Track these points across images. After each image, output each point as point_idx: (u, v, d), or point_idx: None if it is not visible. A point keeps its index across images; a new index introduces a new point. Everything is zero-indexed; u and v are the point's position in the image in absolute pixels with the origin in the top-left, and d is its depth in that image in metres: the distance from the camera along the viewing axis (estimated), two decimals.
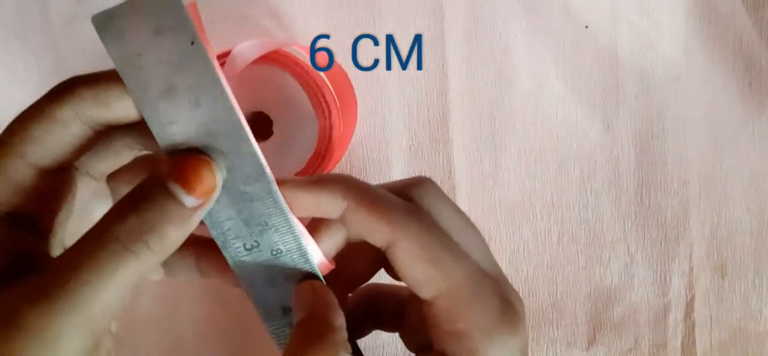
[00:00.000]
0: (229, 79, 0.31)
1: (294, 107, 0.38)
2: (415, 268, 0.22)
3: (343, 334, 0.22)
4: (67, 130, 0.21)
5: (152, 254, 0.20)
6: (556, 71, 0.41)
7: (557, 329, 0.41)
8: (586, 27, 0.41)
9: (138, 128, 0.22)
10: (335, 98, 0.38)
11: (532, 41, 0.40)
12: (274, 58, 0.37)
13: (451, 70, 0.40)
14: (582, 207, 0.41)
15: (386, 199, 0.22)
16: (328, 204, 0.22)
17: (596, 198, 0.41)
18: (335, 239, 0.23)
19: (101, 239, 0.20)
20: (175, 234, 0.20)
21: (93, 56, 0.38)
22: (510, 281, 0.41)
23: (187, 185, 0.20)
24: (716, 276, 0.41)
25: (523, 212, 0.41)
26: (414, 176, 0.25)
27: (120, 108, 0.21)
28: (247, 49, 0.35)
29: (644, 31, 0.41)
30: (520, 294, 0.40)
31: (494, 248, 0.40)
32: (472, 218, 0.40)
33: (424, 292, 0.22)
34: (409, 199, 0.23)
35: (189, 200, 0.20)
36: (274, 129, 0.38)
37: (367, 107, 0.39)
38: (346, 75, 0.38)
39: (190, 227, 0.21)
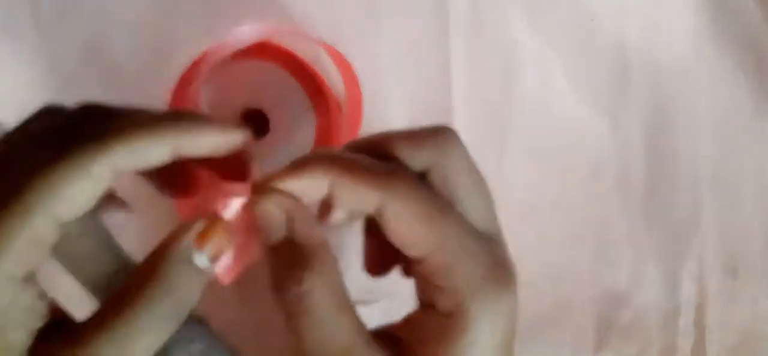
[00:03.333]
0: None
1: (291, 104, 0.37)
2: (404, 229, 0.22)
3: (331, 251, 0.23)
4: (99, 185, 0.21)
5: (177, 313, 0.22)
6: (561, 66, 0.40)
7: (563, 333, 0.40)
8: (592, 20, 0.41)
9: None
10: (336, 95, 0.38)
11: (536, 36, 0.40)
12: (271, 54, 0.38)
13: (454, 65, 0.40)
14: (589, 206, 0.40)
15: (369, 165, 0.23)
16: (313, 186, 0.23)
17: (603, 197, 0.41)
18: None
19: (129, 304, 0.21)
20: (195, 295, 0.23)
21: (84, 52, 0.39)
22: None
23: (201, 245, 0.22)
24: (727, 278, 0.41)
25: (528, 211, 0.40)
26: (436, 125, 0.25)
27: (155, 157, 0.22)
28: (243, 33, 0.35)
29: (653, 24, 0.41)
30: (524, 297, 0.40)
31: None
32: None
33: (414, 251, 0.22)
34: (425, 149, 0.24)
35: (202, 261, 0.22)
36: (270, 127, 0.37)
37: (368, 102, 0.39)
38: (352, 70, 0.38)
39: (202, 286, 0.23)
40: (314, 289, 0.21)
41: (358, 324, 0.22)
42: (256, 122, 0.38)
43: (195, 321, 0.39)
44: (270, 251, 0.22)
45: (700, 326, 0.40)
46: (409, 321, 0.24)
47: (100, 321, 0.21)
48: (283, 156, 0.38)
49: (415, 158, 0.23)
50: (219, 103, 0.37)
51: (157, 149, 0.21)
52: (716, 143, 0.41)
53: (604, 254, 0.40)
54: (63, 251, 0.24)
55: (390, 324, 0.24)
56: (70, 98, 0.38)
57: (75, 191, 0.20)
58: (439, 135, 0.24)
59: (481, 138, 0.40)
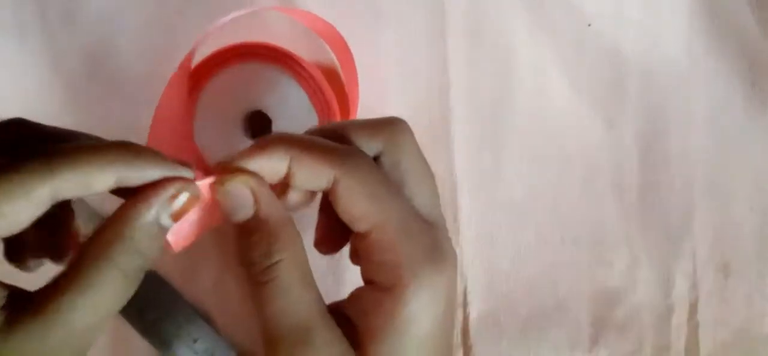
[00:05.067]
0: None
1: (293, 105, 0.38)
2: (354, 203, 0.23)
3: (296, 228, 0.23)
4: (38, 208, 0.21)
5: (140, 270, 0.22)
6: (558, 70, 0.40)
7: (560, 330, 0.40)
8: (589, 25, 0.41)
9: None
10: (334, 98, 0.38)
11: (534, 39, 0.40)
12: (273, 57, 0.38)
13: (452, 68, 0.40)
14: (584, 207, 0.41)
15: (326, 144, 0.24)
16: (274, 163, 0.23)
17: (599, 198, 0.41)
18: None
19: (94, 259, 0.21)
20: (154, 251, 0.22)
21: (89, 55, 0.39)
22: (509, 280, 0.40)
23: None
24: (720, 277, 0.41)
25: (526, 212, 0.40)
26: (389, 116, 0.26)
27: (100, 184, 0.22)
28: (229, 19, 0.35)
29: (648, 29, 0.41)
30: (522, 295, 0.40)
31: (496, 249, 0.40)
32: (474, 219, 0.40)
33: (360, 226, 0.24)
34: (379, 136, 0.25)
35: (165, 219, 0.22)
36: (272, 128, 0.37)
37: (367, 105, 0.39)
38: (351, 58, 0.38)
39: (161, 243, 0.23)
40: (282, 262, 0.22)
41: (319, 298, 0.23)
42: (259, 123, 0.38)
43: (200, 319, 0.39)
44: (238, 228, 0.23)
45: (693, 324, 0.41)
46: (353, 297, 0.25)
47: (63, 280, 0.21)
48: None
49: (369, 143, 0.25)
50: (221, 105, 0.37)
51: (102, 177, 0.21)
52: (709, 145, 0.41)
53: (600, 254, 0.40)
54: None
55: (338, 302, 0.25)
56: (76, 102, 0.39)
57: (12, 210, 0.20)
58: (392, 124, 0.25)
59: (480, 139, 0.40)
